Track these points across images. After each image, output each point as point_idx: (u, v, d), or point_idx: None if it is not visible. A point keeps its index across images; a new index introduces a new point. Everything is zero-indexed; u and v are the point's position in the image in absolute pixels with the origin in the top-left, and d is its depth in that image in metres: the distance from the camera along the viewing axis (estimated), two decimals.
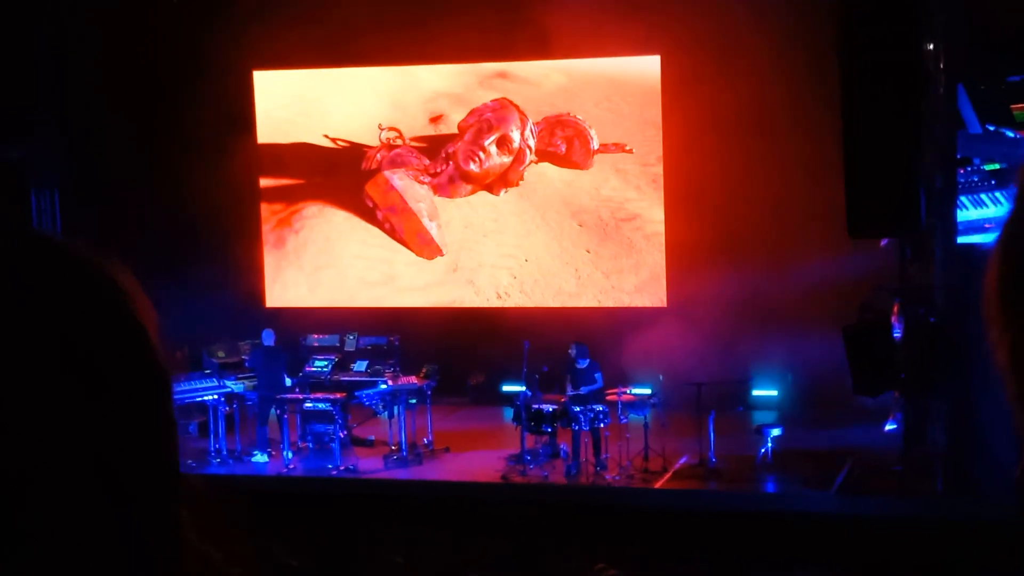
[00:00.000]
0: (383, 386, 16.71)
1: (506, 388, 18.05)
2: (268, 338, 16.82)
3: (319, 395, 16.52)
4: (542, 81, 19.44)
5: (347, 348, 18.68)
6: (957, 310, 12.47)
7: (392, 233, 20.16)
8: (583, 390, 15.60)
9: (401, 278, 20.10)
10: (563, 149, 19.40)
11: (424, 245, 20.02)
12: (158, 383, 0.89)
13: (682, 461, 15.21)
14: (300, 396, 16.54)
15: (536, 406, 15.37)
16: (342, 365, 18.25)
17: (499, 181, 19.70)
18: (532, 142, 19.48)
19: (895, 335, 13.37)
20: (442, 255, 19.93)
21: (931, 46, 12.67)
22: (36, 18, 18.01)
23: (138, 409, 0.87)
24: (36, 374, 0.81)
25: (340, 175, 20.20)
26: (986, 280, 1.02)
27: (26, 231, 0.88)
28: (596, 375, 15.73)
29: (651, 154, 18.85)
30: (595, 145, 19.23)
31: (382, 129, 20.06)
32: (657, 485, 14.56)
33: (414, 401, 16.45)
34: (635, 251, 19.09)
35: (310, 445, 16.20)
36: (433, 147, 19.96)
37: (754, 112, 17.21)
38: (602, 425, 15.08)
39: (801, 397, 17.56)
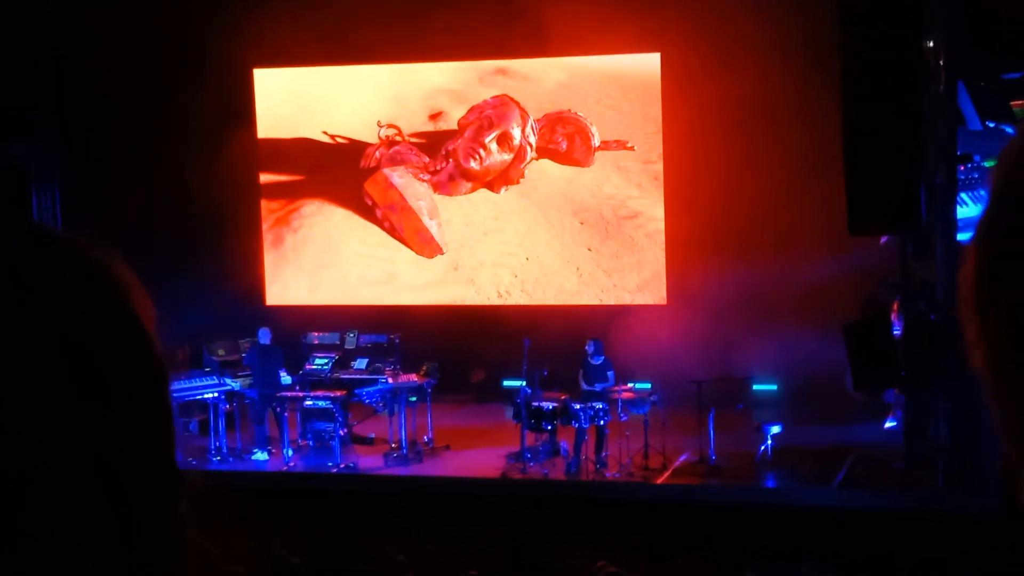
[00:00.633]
0: (383, 384, 16.72)
1: (507, 386, 17.99)
2: (264, 336, 16.82)
3: (319, 393, 16.52)
4: (542, 78, 19.39)
5: (347, 346, 18.69)
6: (957, 307, 12.45)
7: (392, 232, 20.10)
8: (598, 387, 15.62)
9: (402, 277, 20.05)
10: (564, 146, 19.34)
11: (424, 244, 19.96)
12: (156, 378, 0.89)
13: (682, 458, 15.22)
14: (300, 394, 16.55)
15: (536, 403, 15.38)
16: (342, 363, 18.26)
17: (500, 179, 19.65)
18: (533, 139, 19.42)
19: (895, 332, 13.38)
20: (442, 253, 19.87)
21: (931, 43, 12.67)
22: (36, 17, 18.02)
23: (136, 404, 0.86)
24: (34, 369, 0.81)
25: (339, 173, 20.14)
26: (961, 279, 1.02)
27: (25, 225, 0.88)
28: (609, 372, 15.76)
29: (653, 151, 18.82)
30: (596, 142, 19.18)
31: (381, 126, 20.00)
32: (657, 482, 14.56)
33: (414, 399, 16.45)
34: (637, 249, 19.04)
35: (310, 443, 16.20)
36: (433, 144, 19.91)
37: (754, 109, 17.21)
38: (602, 422, 15.09)
39: (801, 394, 17.55)
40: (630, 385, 15.96)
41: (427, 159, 19.90)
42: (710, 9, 17.54)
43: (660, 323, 17.81)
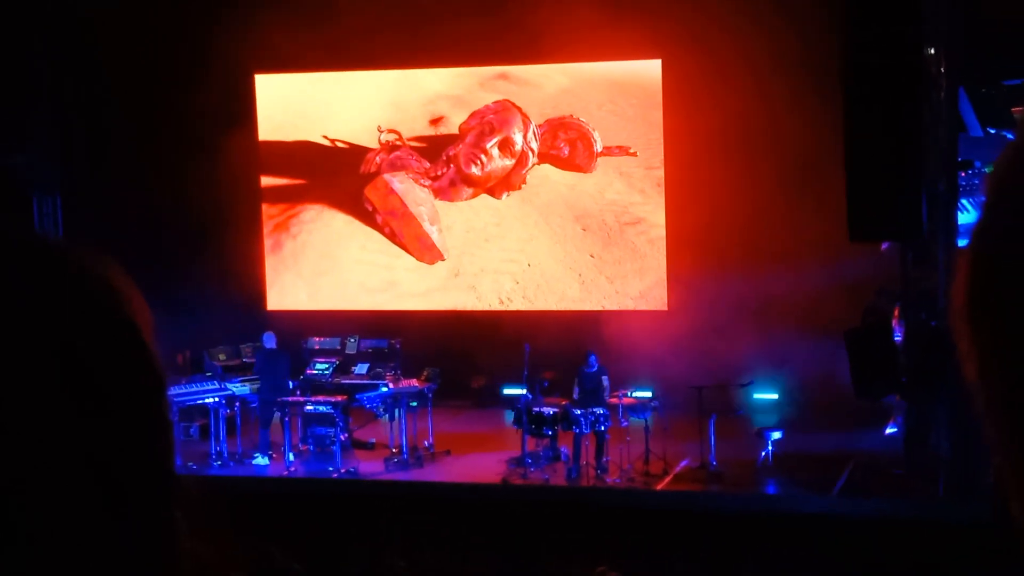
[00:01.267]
0: (384, 389, 16.71)
1: (507, 391, 17.99)
2: (269, 340, 16.83)
3: (320, 398, 16.52)
4: (544, 83, 19.36)
5: (348, 351, 18.68)
6: (950, 317, 12.43)
7: (392, 237, 20.05)
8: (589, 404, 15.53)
9: (402, 284, 20.00)
10: (566, 152, 19.29)
11: (425, 250, 19.92)
12: (153, 385, 0.89)
13: (683, 464, 15.21)
14: (301, 399, 16.55)
15: (537, 409, 15.37)
16: (343, 368, 18.25)
17: (501, 184, 19.61)
18: (535, 145, 19.37)
19: (896, 339, 13.38)
20: (443, 260, 19.83)
21: (932, 50, 12.67)
22: (35, 23, 18.03)
23: (133, 411, 0.87)
24: (31, 377, 0.81)
25: (339, 178, 20.10)
26: (953, 291, 1.01)
27: (22, 233, 0.88)
28: (604, 378, 15.71)
29: (655, 157, 18.79)
30: (599, 148, 19.13)
31: (381, 131, 19.95)
32: (658, 488, 14.55)
33: (415, 404, 16.45)
34: (639, 256, 18.98)
35: (311, 448, 16.21)
36: (434, 149, 19.87)
37: (755, 116, 17.20)
38: (603, 428, 15.08)
39: (802, 400, 17.54)
40: (628, 392, 15.94)
41: (428, 164, 19.85)
42: (711, 16, 17.54)
43: (661, 329, 17.80)
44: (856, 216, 12.13)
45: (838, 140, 12.26)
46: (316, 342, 18.86)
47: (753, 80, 17.07)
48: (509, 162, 19.50)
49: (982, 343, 0.96)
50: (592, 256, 19.21)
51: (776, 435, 15.07)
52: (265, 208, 20.45)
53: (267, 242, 20.43)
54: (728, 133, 17.59)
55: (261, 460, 16.13)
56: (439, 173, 19.79)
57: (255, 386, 16.84)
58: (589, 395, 15.59)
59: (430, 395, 16.54)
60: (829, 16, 13.15)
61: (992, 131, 14.15)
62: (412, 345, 18.46)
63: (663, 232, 18.76)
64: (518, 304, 19.40)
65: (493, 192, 19.64)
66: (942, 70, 12.79)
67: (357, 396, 16.77)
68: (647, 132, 18.81)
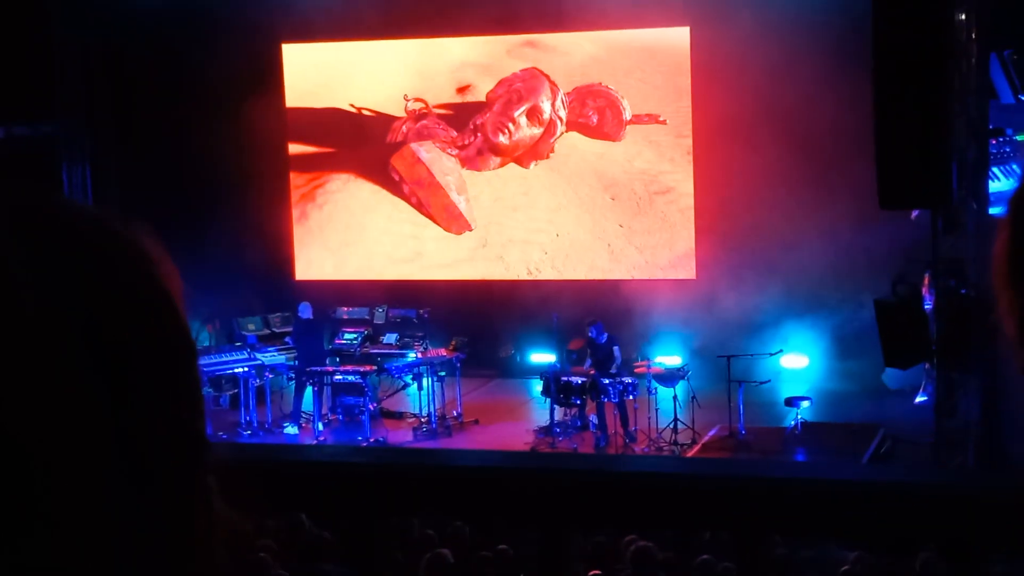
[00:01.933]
0: (412, 358, 16.75)
1: (535, 360, 17.96)
2: (305, 311, 16.86)
3: (349, 367, 16.57)
4: (572, 50, 19.20)
5: (376, 321, 18.73)
6: (989, 282, 12.37)
7: (419, 207, 19.98)
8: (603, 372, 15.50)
9: (429, 255, 19.93)
10: (595, 120, 19.16)
11: (452, 220, 19.85)
12: (183, 352, 0.89)
13: (712, 433, 15.21)
14: (330, 368, 16.60)
15: (565, 378, 15.38)
16: (372, 338, 18.30)
17: (529, 153, 19.51)
18: (563, 113, 19.24)
19: (926, 307, 13.31)
20: (471, 230, 19.76)
21: (962, 16, 12.55)
22: None
23: (162, 377, 0.86)
24: (61, 346, 0.81)
25: (366, 147, 20.04)
26: (995, 251, 1.01)
27: (51, 199, 0.88)
28: (615, 349, 15.66)
29: (685, 126, 18.65)
30: (627, 116, 18.97)
31: (408, 100, 19.86)
32: (687, 456, 14.55)
33: (443, 373, 16.48)
34: (669, 225, 18.83)
35: (340, 417, 16.28)
36: (461, 118, 19.78)
37: (784, 83, 17.08)
38: (631, 397, 15.08)
39: (831, 369, 17.50)
40: (656, 361, 15.94)
41: (455, 133, 19.77)
42: None
43: (689, 298, 17.76)
44: (886, 183, 12.05)
45: (868, 107, 12.16)
46: (344, 312, 18.90)
47: (781, 47, 16.94)
48: (537, 131, 19.38)
49: (1023, 301, 0.96)
50: (621, 226, 19.08)
51: (805, 404, 15.05)
52: (292, 177, 20.43)
53: (294, 212, 20.43)
54: (757, 100, 17.48)
55: (291, 429, 16.22)
56: (466, 142, 19.71)
57: (291, 356, 16.90)
58: (597, 366, 15.56)
59: (458, 364, 16.58)
60: None
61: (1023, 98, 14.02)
62: (439, 315, 18.48)
63: (692, 201, 18.66)
64: (547, 274, 19.32)
65: (521, 161, 19.54)
66: (972, 36, 12.66)
67: (386, 366, 16.82)
68: (676, 100, 18.67)
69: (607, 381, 15.01)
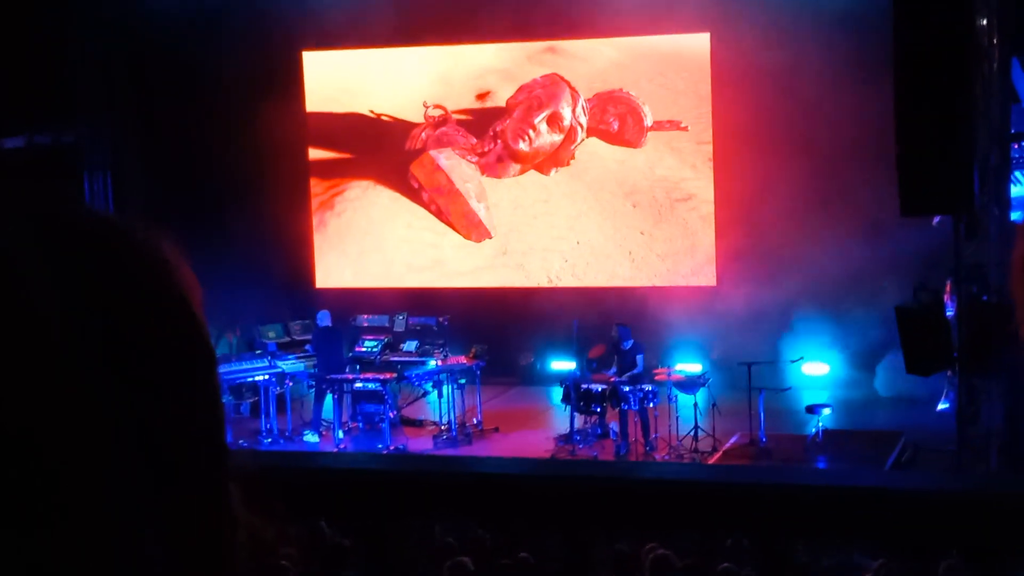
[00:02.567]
0: (432, 366, 16.75)
1: (555, 367, 17.95)
2: (324, 319, 16.90)
3: (369, 375, 16.58)
4: (593, 56, 19.15)
5: (396, 328, 18.74)
6: (1009, 285, 12.30)
7: (439, 215, 19.97)
8: (626, 376, 15.47)
9: (449, 262, 19.92)
10: (616, 127, 19.11)
11: (472, 227, 19.83)
12: (202, 358, 0.89)
13: (732, 441, 15.16)
14: (350, 376, 16.62)
15: (585, 386, 15.35)
16: (392, 345, 18.31)
17: (549, 160, 19.48)
18: (584, 119, 19.20)
19: (948, 314, 13.25)
20: (491, 238, 19.74)
21: (984, 21, 12.51)
22: (83, 1, 18.18)
23: (184, 384, 0.87)
24: (82, 351, 0.81)
25: (385, 154, 20.03)
26: (1013, 257, 1.00)
27: (74, 209, 0.88)
28: (639, 357, 15.62)
29: (705, 132, 18.60)
30: (648, 122, 18.92)
31: (427, 107, 19.85)
32: (708, 464, 14.51)
33: (463, 381, 16.48)
34: (690, 233, 18.76)
35: (360, 425, 16.29)
36: (481, 125, 19.76)
37: (804, 89, 17.05)
38: (651, 405, 15.05)
39: (852, 376, 17.45)
40: (677, 369, 15.90)
41: (474, 140, 19.74)
42: None
43: (710, 305, 17.73)
44: (907, 190, 12.01)
45: (888, 113, 12.13)
46: (364, 320, 18.92)
47: (800, 53, 16.92)
48: (558, 137, 19.34)
49: None
50: (643, 233, 19.02)
51: (826, 412, 14.99)
52: (312, 185, 20.46)
53: (313, 220, 20.45)
54: (777, 106, 17.46)
55: (311, 437, 16.23)
56: (486, 149, 19.68)
57: (311, 363, 16.92)
58: (620, 372, 15.53)
59: (478, 372, 16.57)
60: None
61: None
62: (459, 323, 18.49)
63: (712, 208, 18.60)
64: (567, 282, 19.28)
65: (541, 168, 19.50)
66: (994, 41, 12.62)
67: (406, 373, 16.84)
68: (697, 106, 18.62)
69: (627, 389, 14.98)
